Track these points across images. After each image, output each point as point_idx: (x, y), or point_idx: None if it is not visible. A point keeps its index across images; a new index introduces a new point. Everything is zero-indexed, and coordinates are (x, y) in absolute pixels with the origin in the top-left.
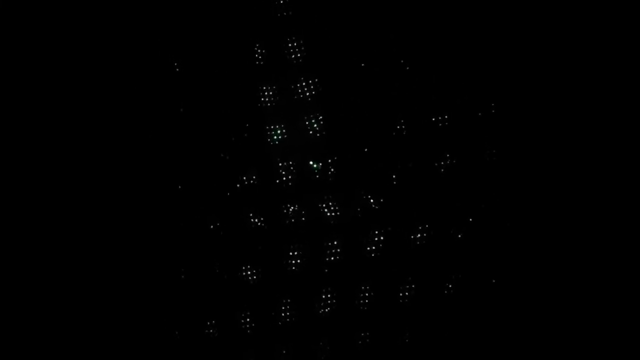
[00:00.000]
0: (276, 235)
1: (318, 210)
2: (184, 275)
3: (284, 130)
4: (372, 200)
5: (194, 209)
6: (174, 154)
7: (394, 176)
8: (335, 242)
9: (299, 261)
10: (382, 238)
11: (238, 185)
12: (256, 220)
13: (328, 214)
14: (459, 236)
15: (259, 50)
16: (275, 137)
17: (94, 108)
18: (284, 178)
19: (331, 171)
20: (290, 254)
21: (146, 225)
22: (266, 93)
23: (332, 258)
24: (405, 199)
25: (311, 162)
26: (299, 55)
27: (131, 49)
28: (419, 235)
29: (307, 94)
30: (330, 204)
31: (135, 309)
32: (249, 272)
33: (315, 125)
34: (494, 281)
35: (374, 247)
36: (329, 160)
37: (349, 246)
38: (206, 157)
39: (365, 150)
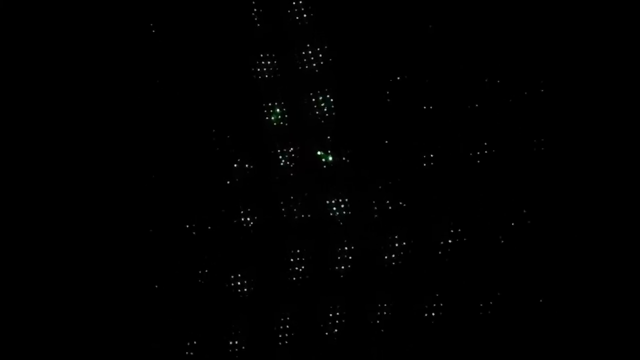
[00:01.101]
0: (274, 239)
1: (325, 209)
2: (159, 284)
3: (284, 110)
4: (392, 198)
5: (172, 204)
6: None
7: (420, 168)
8: (345, 248)
9: (301, 269)
10: (403, 243)
11: (228, 181)
12: (249, 220)
13: (337, 213)
14: (501, 241)
15: (255, 10)
16: (273, 119)
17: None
18: (284, 170)
19: (343, 161)
20: (292, 260)
21: (117, 227)
22: (263, 63)
23: (342, 267)
24: (433, 196)
25: (319, 153)
26: (304, 15)
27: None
28: (449, 240)
29: (314, 64)
30: (340, 201)
31: (107, 322)
32: (239, 283)
33: (323, 105)
34: (541, 301)
35: (393, 255)
36: (341, 150)
37: (363, 253)
38: (185, 142)
39: (386, 135)
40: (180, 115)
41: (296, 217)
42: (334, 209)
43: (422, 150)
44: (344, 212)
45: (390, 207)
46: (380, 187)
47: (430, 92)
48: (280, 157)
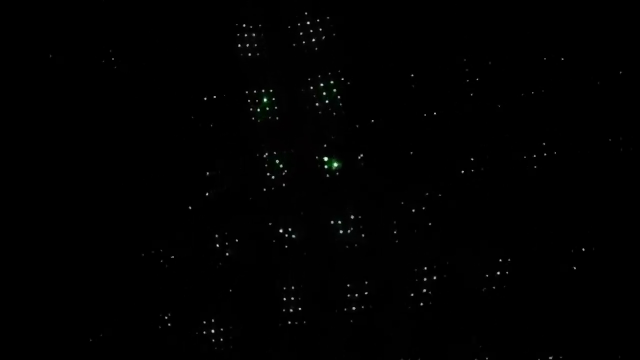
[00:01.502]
0: (261, 271)
1: (330, 231)
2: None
3: (274, 100)
4: (417, 217)
5: (123, 228)
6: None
7: (453, 178)
8: (356, 283)
9: (297, 310)
10: (433, 278)
11: (199, 195)
12: (227, 246)
13: (345, 236)
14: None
15: None
16: (260, 112)
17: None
18: (275, 180)
19: (352, 168)
20: (284, 299)
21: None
22: (247, 37)
23: (353, 308)
24: (470, 214)
25: (325, 159)
26: None
27: None
28: (497, 273)
29: (313, 39)
30: (349, 220)
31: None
32: (213, 330)
33: (325, 94)
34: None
35: (424, 291)
36: (351, 154)
37: (379, 290)
38: (143, 142)
39: (408, 135)
40: (131, 105)
41: (291, 241)
42: (341, 231)
43: (455, 155)
44: (354, 235)
45: (415, 229)
46: (402, 203)
47: (468, 78)
48: (270, 163)
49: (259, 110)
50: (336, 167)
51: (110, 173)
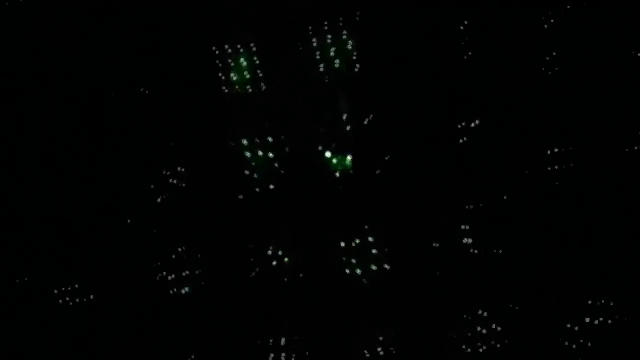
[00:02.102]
0: (240, 305)
1: (337, 255)
2: None
3: (258, 64)
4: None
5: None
6: None
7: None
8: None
9: None
10: (483, 332)
11: (152, 199)
12: (193, 258)
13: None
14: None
15: None
16: (237, 80)
17: None
18: (261, 182)
19: (368, 170)
20: (271, 342)
21: None
22: None
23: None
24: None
25: (327, 154)
26: None
27: None
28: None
29: None
30: (363, 241)
31: None
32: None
33: (331, 54)
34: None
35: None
36: (366, 151)
37: (406, 337)
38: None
39: (438, 125)
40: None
41: (281, 269)
42: (353, 260)
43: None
44: (371, 262)
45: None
46: (437, 218)
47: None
48: (254, 158)
49: (235, 79)
50: (345, 167)
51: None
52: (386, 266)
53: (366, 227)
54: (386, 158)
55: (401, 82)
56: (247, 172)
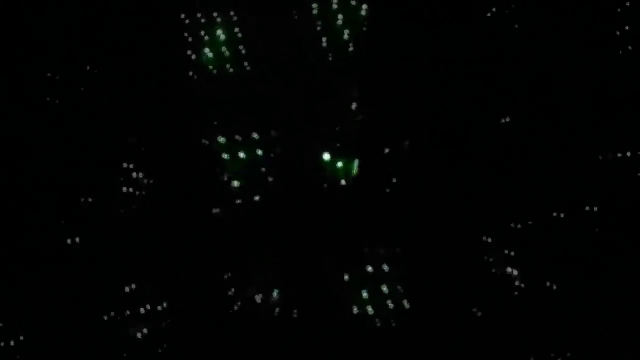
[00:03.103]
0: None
1: (337, 284)
2: None
3: (237, 35)
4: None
5: None
6: None
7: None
8: None
9: None
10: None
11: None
12: (153, 292)
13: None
14: None
15: None
16: (209, 58)
17: None
18: (241, 192)
19: (376, 175)
20: None
21: None
22: None
23: None
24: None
25: (327, 156)
26: None
27: None
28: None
29: None
30: (372, 267)
31: None
32: None
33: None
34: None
35: None
36: (375, 153)
37: None
38: None
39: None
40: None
41: (267, 305)
42: (364, 294)
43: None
44: (385, 298)
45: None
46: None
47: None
48: (234, 161)
49: (206, 57)
50: (350, 172)
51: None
52: (405, 304)
53: (380, 251)
54: (405, 162)
55: (428, 61)
56: (224, 179)
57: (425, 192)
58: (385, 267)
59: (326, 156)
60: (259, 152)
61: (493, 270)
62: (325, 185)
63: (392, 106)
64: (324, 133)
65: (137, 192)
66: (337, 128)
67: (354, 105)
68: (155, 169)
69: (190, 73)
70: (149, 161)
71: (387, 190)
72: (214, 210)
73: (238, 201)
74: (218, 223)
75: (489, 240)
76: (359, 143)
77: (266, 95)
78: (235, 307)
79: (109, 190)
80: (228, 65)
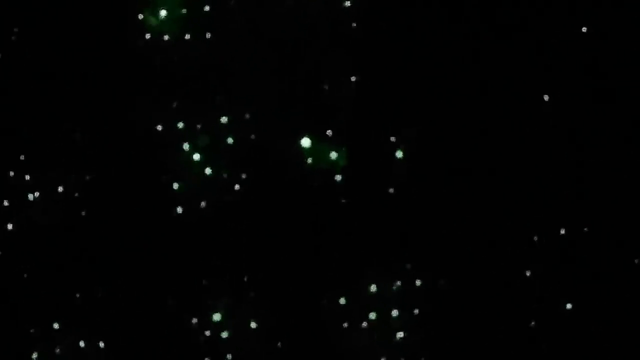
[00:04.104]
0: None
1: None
2: None
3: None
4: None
5: None
6: None
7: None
8: None
9: None
10: None
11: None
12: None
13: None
14: None
15: None
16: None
17: None
18: (202, 192)
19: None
20: None
21: None
22: None
23: None
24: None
25: (304, 142)
26: None
27: None
28: None
29: None
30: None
31: None
32: None
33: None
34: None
35: None
36: (358, 144)
37: None
38: None
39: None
40: None
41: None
42: (364, 322)
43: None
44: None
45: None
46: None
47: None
48: (192, 152)
49: (159, 15)
50: (337, 163)
51: None
52: (419, 333)
53: (385, 268)
54: (413, 153)
55: (441, 29)
56: (179, 176)
57: (440, 190)
58: (398, 283)
59: (306, 142)
60: (229, 140)
61: (527, 296)
62: (314, 182)
63: (402, 83)
64: (303, 113)
65: (71, 193)
66: (327, 110)
67: (350, 82)
68: (94, 164)
69: (139, 37)
70: (85, 154)
71: (391, 191)
72: (176, 212)
73: (200, 204)
74: (171, 233)
75: (521, 250)
76: (349, 125)
77: (233, 68)
78: (199, 341)
79: (32, 191)
80: (183, 32)
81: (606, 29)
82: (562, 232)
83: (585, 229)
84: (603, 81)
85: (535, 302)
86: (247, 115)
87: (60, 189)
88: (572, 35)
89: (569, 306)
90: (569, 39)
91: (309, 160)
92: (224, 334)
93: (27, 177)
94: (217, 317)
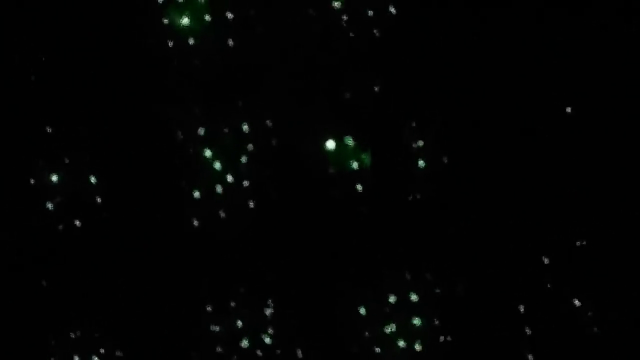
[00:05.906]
0: None
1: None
2: None
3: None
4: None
5: None
6: None
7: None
8: None
9: None
10: None
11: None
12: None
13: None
14: None
15: None
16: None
17: None
18: (220, 197)
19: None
20: None
21: None
22: None
23: None
24: None
25: (328, 145)
26: None
27: None
28: None
29: None
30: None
31: None
32: None
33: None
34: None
35: None
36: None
37: None
38: None
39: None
40: None
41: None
42: (386, 332)
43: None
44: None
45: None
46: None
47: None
48: (211, 157)
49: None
50: (364, 165)
51: None
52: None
53: (406, 276)
54: (442, 157)
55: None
56: (196, 180)
57: (467, 196)
58: (414, 297)
59: (330, 144)
60: (250, 146)
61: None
62: (339, 186)
63: (427, 85)
64: (336, 117)
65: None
66: (353, 110)
67: (376, 85)
68: (115, 169)
69: (158, 45)
70: (102, 159)
71: (414, 197)
72: (194, 222)
73: (222, 213)
74: (196, 237)
75: (547, 261)
76: (374, 125)
77: (255, 71)
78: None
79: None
80: (205, 34)
81: (614, 29)
82: (579, 242)
83: (609, 234)
84: (625, 88)
85: (555, 311)
86: (269, 122)
87: (82, 193)
88: (605, 38)
89: (585, 310)
90: (595, 42)
91: (332, 165)
92: (244, 343)
93: (50, 180)
94: (238, 324)
